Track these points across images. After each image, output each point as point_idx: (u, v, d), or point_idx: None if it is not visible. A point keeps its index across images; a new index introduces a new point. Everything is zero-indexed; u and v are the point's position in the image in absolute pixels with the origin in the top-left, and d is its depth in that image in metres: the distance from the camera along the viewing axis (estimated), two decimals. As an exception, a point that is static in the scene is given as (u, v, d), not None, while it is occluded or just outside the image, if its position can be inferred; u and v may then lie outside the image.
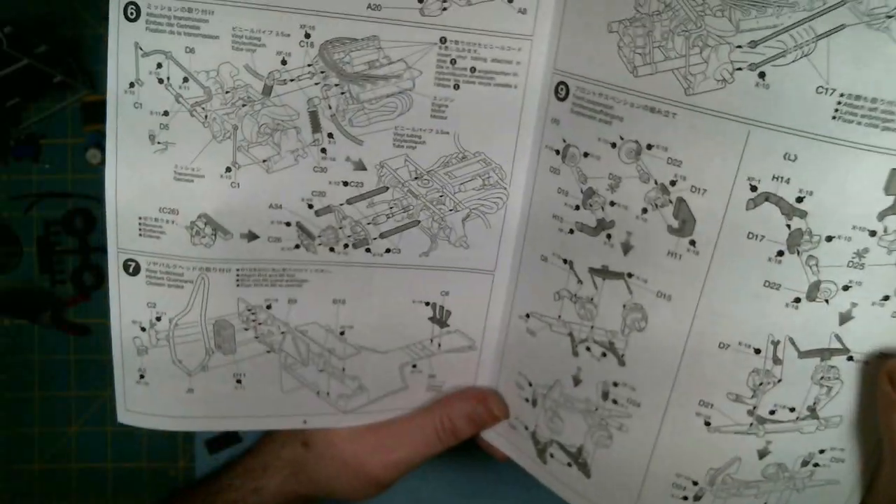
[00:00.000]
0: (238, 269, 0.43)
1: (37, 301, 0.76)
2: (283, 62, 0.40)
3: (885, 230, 0.32)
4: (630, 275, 0.39)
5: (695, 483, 0.40)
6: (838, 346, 0.35)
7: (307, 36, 0.39)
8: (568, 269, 0.41)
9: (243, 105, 0.40)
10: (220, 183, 0.42)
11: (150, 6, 0.39)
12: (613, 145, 0.38)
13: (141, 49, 0.39)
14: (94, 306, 0.76)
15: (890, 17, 0.30)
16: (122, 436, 0.76)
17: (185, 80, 0.40)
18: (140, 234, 0.42)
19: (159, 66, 0.40)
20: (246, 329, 0.45)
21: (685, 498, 0.40)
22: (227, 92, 0.40)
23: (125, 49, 0.39)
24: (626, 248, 0.39)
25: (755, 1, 0.33)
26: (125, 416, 0.47)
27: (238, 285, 0.44)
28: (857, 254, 0.33)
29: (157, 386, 0.46)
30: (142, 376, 0.45)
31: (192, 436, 0.75)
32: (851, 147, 0.32)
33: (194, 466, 0.75)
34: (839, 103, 0.31)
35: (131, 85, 0.40)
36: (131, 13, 0.39)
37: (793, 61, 0.32)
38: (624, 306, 0.39)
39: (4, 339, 0.77)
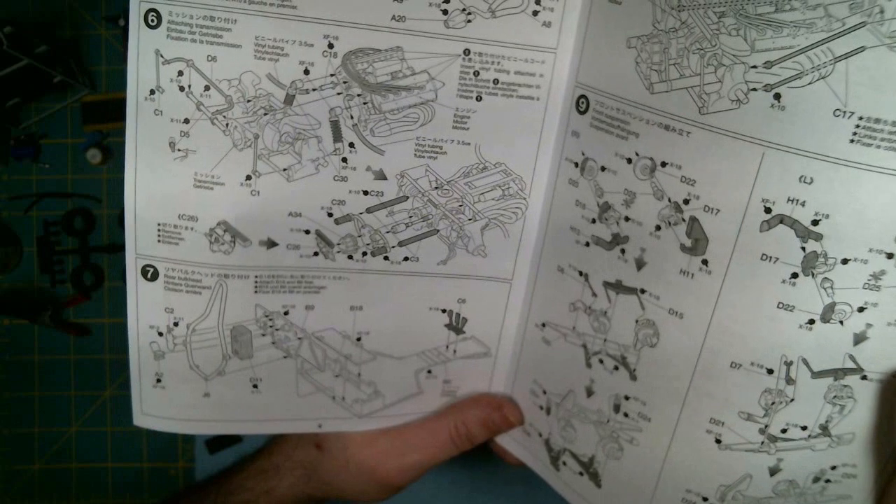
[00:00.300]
0: (256, 276, 0.44)
1: (37, 301, 0.76)
2: (306, 72, 0.40)
3: None
4: (643, 291, 0.39)
5: (705, 499, 0.40)
6: (852, 365, 0.35)
7: (330, 46, 0.39)
8: (583, 282, 0.42)
9: (265, 114, 0.41)
10: (240, 191, 0.42)
11: (172, 14, 0.39)
12: (629, 161, 0.38)
13: (162, 56, 0.39)
14: (94, 306, 0.76)
15: None
16: (122, 436, 0.77)
17: (207, 88, 0.40)
18: (159, 241, 0.43)
19: (180, 73, 0.40)
20: (263, 335, 0.45)
21: (696, 512, 0.41)
22: (248, 100, 0.40)
23: (146, 56, 0.39)
24: (640, 263, 0.39)
25: (771, 21, 0.32)
26: (141, 419, 0.47)
27: (256, 292, 0.44)
28: (873, 276, 0.33)
29: (174, 390, 0.46)
30: (158, 380, 0.46)
31: (192, 436, 0.75)
32: (870, 170, 0.31)
33: (194, 466, 0.76)
34: (857, 126, 0.31)
35: (151, 92, 0.40)
36: (152, 20, 0.39)
37: (809, 83, 0.32)
38: (636, 321, 0.40)
39: (4, 339, 0.76)
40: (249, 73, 0.40)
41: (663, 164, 0.37)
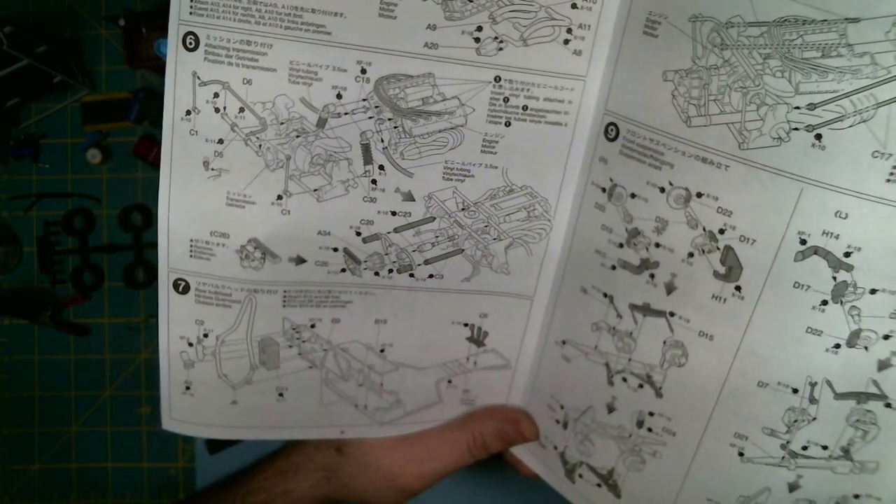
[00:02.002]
0: (285, 291, 0.45)
1: (37, 301, 0.76)
2: (339, 96, 0.41)
3: None
4: (672, 314, 0.41)
5: (723, 508, 0.42)
6: (875, 391, 0.37)
7: (363, 71, 0.41)
8: (608, 303, 0.43)
9: (297, 136, 0.42)
10: (270, 210, 0.43)
11: (210, 37, 0.39)
12: (662, 190, 0.40)
13: (199, 78, 0.40)
14: (94, 306, 0.76)
15: None
16: (122, 436, 0.77)
17: (242, 110, 0.41)
18: (191, 256, 0.44)
19: (216, 95, 0.40)
20: (290, 346, 0.47)
21: (714, 521, 0.42)
22: (281, 123, 0.41)
23: (183, 78, 0.40)
24: (670, 288, 0.41)
25: (817, 65, 0.34)
26: (170, 423, 0.48)
27: (284, 306, 0.45)
28: None
29: (202, 397, 0.47)
30: (187, 388, 0.47)
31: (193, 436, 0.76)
32: None
33: (194, 466, 0.77)
34: (895, 168, 0.33)
35: (188, 112, 0.41)
36: (190, 43, 0.40)
37: (850, 126, 0.33)
38: (664, 342, 0.41)
39: (4, 339, 0.76)
40: (283, 96, 0.41)
41: (699, 195, 0.38)
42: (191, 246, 0.43)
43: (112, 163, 0.75)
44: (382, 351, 0.48)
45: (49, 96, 0.74)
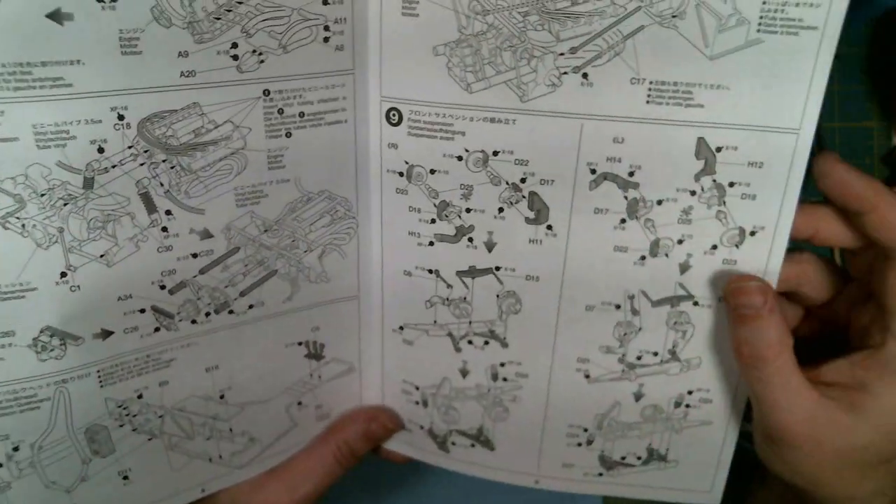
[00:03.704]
0: (99, 370, 0.41)
1: None
2: (101, 150, 0.37)
3: (703, 189, 0.39)
4: (497, 268, 0.43)
5: (585, 430, 0.46)
6: (683, 293, 0.41)
7: (121, 118, 0.37)
8: (435, 278, 0.44)
9: (65, 204, 0.37)
10: (56, 291, 0.38)
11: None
12: (460, 158, 0.41)
13: None
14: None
15: (675, 16, 0.36)
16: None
17: (-12, 193, 0.36)
18: None
19: (-49, 187, 0.35)
20: (121, 425, 0.42)
21: (579, 444, 0.46)
22: (42, 195, 0.36)
23: None
24: (490, 246, 0.43)
25: (569, 13, 0.37)
26: None
27: (102, 386, 0.41)
28: (684, 212, 0.39)
29: (34, 514, 0.42)
30: None
31: None
32: (665, 124, 0.38)
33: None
34: (650, 90, 0.37)
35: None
36: None
37: (608, 60, 0.37)
38: (497, 296, 0.44)
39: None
40: (36, 165, 0.36)
41: (495, 153, 0.40)
42: None
43: None
44: (222, 397, 0.45)
45: None
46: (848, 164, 0.36)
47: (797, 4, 0.34)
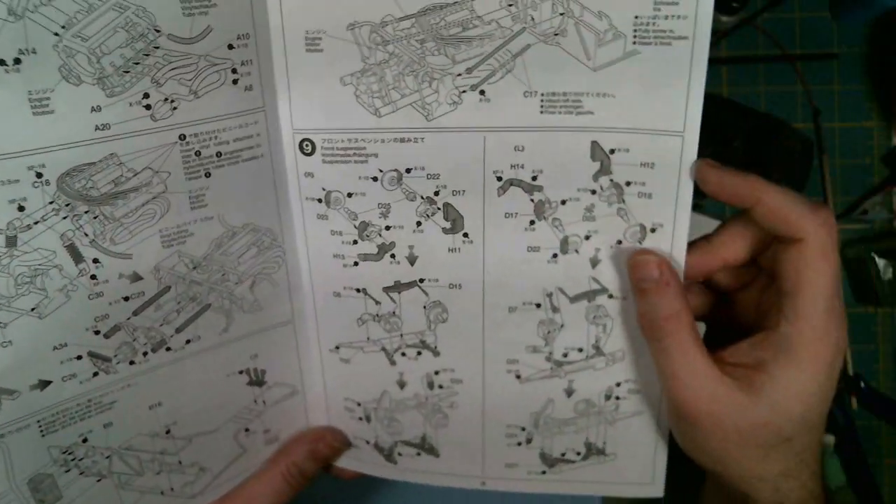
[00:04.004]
0: (39, 420, 0.41)
1: None
2: (21, 208, 0.38)
3: (602, 188, 0.42)
4: (422, 280, 0.45)
5: (522, 429, 0.48)
6: (598, 286, 0.44)
7: (39, 175, 0.38)
8: (363, 296, 0.46)
9: (-10, 264, 0.38)
10: (-11, 348, 0.39)
11: None
12: (375, 179, 0.43)
13: None
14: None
15: (556, 34, 0.39)
16: None
17: (-87, 261, 0.36)
18: None
19: None
20: (67, 471, 0.43)
21: (519, 443, 0.48)
22: (-34, 258, 0.37)
23: None
24: (412, 259, 0.45)
25: (461, 38, 0.40)
26: None
27: (44, 435, 0.42)
28: (587, 209, 0.42)
29: (-16, 578, 0.42)
30: None
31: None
32: (559, 131, 0.41)
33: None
34: (542, 101, 0.40)
35: None
36: None
37: (501, 77, 0.40)
38: (424, 307, 0.46)
39: None
40: None
41: (408, 171, 0.43)
42: None
43: None
44: (168, 432, 0.46)
45: None
46: (722, 167, 0.39)
47: (666, 17, 0.37)
